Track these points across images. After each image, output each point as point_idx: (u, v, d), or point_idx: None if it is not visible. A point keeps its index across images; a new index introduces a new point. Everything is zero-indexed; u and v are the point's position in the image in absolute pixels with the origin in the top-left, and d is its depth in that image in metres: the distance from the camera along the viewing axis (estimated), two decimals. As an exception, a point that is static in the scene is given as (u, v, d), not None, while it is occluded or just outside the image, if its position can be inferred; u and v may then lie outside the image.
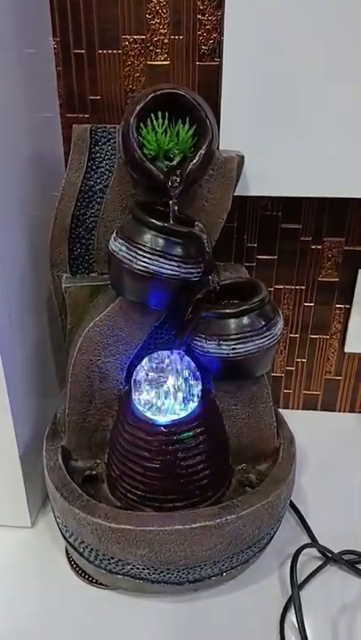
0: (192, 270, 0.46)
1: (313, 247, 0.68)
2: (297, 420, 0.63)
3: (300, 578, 0.53)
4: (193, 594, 0.51)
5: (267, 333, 0.47)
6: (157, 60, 0.60)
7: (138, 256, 0.45)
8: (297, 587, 0.50)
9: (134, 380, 0.50)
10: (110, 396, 0.53)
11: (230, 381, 0.51)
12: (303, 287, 0.71)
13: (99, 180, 0.52)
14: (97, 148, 0.51)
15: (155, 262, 0.45)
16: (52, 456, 0.52)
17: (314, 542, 0.56)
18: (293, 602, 0.49)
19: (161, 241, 0.45)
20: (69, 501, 0.47)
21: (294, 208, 0.66)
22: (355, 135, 0.55)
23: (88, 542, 0.47)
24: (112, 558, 0.47)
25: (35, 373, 0.58)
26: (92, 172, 0.51)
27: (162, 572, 0.47)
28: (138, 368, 0.51)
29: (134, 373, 0.51)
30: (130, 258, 0.45)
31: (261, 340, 0.47)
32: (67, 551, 0.56)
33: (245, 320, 0.47)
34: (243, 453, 0.54)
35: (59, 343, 0.62)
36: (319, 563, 0.55)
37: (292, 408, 0.79)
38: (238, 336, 0.46)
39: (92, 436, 0.54)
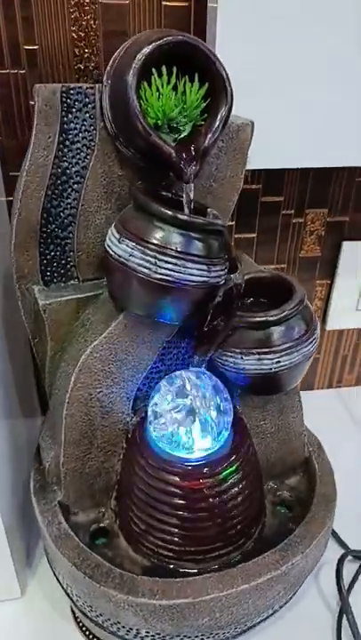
0: (220, 272, 0.37)
1: (295, 221, 0.62)
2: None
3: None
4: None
5: (311, 339, 0.40)
6: (113, -2, 0.47)
7: (159, 262, 0.34)
8: (348, 601, 0.46)
9: (151, 411, 0.40)
10: (115, 432, 0.42)
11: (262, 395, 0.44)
12: (284, 265, 0.64)
13: (75, 160, 0.39)
14: (70, 116, 0.38)
15: (182, 268, 0.35)
16: (52, 519, 0.41)
17: (347, 550, 0.51)
18: (346, 614, 0.45)
19: (185, 239, 0.35)
20: (99, 581, 0.37)
21: (276, 180, 0.58)
22: (340, 102, 0.49)
23: (128, 624, 0.38)
24: (158, 634, 0.38)
25: None
26: (66, 150, 0.39)
27: (217, 634, 0.39)
28: (153, 397, 0.41)
29: (150, 403, 0.41)
30: (147, 265, 0.34)
31: (306, 348, 0.39)
32: (75, 617, 0.46)
33: (287, 327, 0.39)
34: (271, 470, 0.47)
35: (24, 369, 0.49)
36: (354, 567, 0.51)
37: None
38: (282, 347, 0.38)
39: (95, 481, 0.44)
